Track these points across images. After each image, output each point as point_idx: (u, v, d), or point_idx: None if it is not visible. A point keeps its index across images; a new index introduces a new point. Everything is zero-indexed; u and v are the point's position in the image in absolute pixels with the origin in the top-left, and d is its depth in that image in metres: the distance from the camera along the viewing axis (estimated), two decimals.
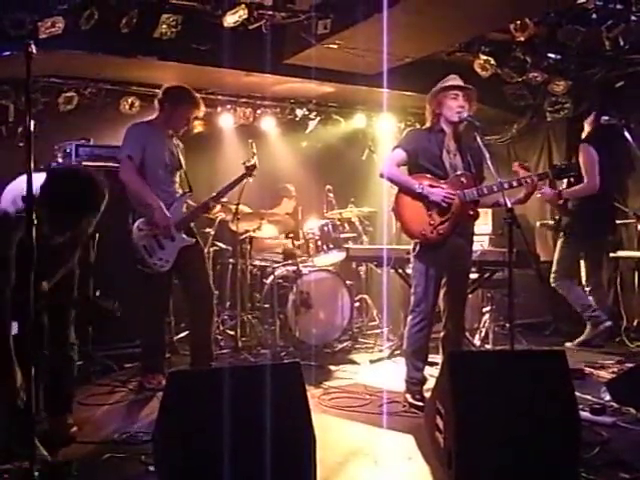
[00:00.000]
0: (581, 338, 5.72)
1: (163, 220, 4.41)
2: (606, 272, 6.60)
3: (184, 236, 4.56)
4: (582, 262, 5.89)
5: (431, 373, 4.49)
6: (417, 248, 4.21)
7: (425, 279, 4.17)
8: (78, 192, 2.96)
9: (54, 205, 2.90)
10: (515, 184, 4.08)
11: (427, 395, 4.17)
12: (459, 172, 4.17)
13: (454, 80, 4.20)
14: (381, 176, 4.28)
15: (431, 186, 4.12)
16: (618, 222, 6.36)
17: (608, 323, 5.66)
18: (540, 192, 5.80)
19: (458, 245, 4.19)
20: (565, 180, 5.89)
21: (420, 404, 4.12)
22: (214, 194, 4.83)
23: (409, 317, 4.27)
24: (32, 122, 2.69)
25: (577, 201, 5.80)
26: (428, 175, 4.16)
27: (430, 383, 4.12)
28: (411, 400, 4.22)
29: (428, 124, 4.29)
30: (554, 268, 5.83)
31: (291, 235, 6.70)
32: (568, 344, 5.88)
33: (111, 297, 3.26)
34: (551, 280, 5.83)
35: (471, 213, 4.16)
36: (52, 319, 3.51)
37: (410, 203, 4.16)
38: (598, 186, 5.58)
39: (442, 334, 4.36)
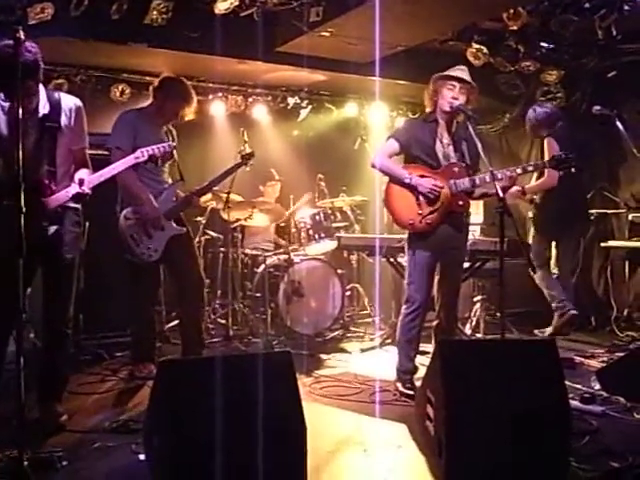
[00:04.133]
0: (550, 329, 5.72)
1: (153, 212, 4.37)
2: (597, 261, 6.64)
3: (174, 225, 4.53)
4: (554, 249, 5.91)
5: (422, 362, 4.50)
6: (409, 238, 4.21)
7: (418, 269, 4.18)
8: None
9: None
10: (508, 173, 4.07)
11: (418, 384, 4.18)
12: (451, 162, 4.18)
13: (457, 71, 4.18)
14: (373, 166, 4.29)
15: (422, 176, 4.13)
16: (609, 212, 6.38)
17: (572, 311, 5.62)
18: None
19: (450, 235, 4.19)
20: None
21: (410, 393, 4.14)
22: (206, 183, 4.78)
23: (404, 306, 4.27)
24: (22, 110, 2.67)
25: (542, 194, 5.78)
26: (421, 165, 4.17)
27: (421, 372, 4.13)
28: (402, 389, 4.24)
29: (428, 109, 4.30)
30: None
31: (282, 223, 6.69)
32: (537, 331, 5.95)
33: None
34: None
35: (461, 203, 4.16)
36: (54, 294, 3.55)
37: (400, 193, 4.17)
38: (557, 180, 5.49)
39: (435, 323, 4.38)
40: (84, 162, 3.64)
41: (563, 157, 4.07)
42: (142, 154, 3.86)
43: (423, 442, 3.30)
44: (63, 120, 3.47)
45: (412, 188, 4.12)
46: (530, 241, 5.88)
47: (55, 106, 3.45)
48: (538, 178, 5.73)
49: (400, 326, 4.30)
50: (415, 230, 4.15)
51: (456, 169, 4.15)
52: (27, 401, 2.67)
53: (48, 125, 3.41)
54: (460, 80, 4.12)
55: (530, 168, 4.21)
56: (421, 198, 4.12)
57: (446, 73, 4.16)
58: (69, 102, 3.54)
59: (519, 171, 4.05)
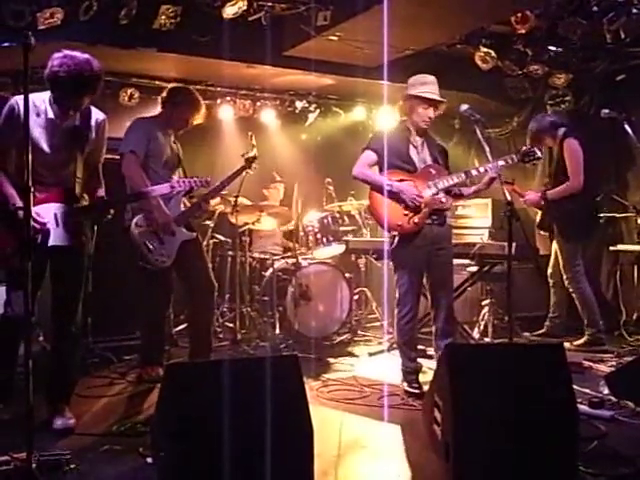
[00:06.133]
0: (582, 340, 5.64)
1: (163, 218, 4.38)
2: (605, 266, 6.61)
3: (184, 230, 4.54)
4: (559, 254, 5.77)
5: (429, 366, 4.50)
6: (395, 242, 4.30)
7: (407, 271, 4.30)
8: (77, 71, 3.29)
9: (59, 85, 3.30)
10: (482, 170, 4.25)
11: (423, 383, 4.23)
12: (428, 163, 4.34)
13: (430, 86, 4.29)
14: (354, 178, 4.45)
15: (401, 180, 4.28)
16: (618, 216, 6.35)
17: (602, 336, 5.61)
18: (524, 199, 5.81)
19: (437, 235, 4.32)
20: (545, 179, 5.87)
21: (417, 392, 4.20)
22: (213, 187, 4.80)
23: (396, 310, 4.39)
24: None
25: (558, 199, 5.62)
26: (399, 170, 4.31)
27: (428, 375, 4.13)
28: (407, 388, 4.29)
29: (401, 117, 4.51)
30: (565, 275, 5.65)
31: (290, 227, 6.69)
32: (527, 334, 5.98)
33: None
34: (566, 285, 5.68)
35: (444, 201, 4.30)
36: (63, 296, 3.59)
37: (383, 199, 4.29)
38: (582, 185, 5.46)
39: (434, 328, 4.39)
40: (96, 175, 3.73)
41: (528, 150, 4.26)
42: (179, 185, 4.09)
43: (430, 446, 3.29)
44: (91, 133, 3.60)
45: (394, 194, 4.25)
46: (561, 253, 5.68)
47: (86, 118, 3.60)
48: (556, 182, 5.66)
49: (397, 330, 4.43)
50: (404, 231, 4.25)
51: (433, 170, 4.33)
52: (36, 404, 2.68)
53: (79, 136, 3.54)
54: (433, 101, 4.28)
55: (501, 162, 4.24)
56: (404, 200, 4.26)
57: (420, 94, 4.28)
58: (98, 116, 3.68)
59: (491, 166, 4.17)
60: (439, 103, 4.31)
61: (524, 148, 4.32)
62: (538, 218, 5.92)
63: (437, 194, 4.26)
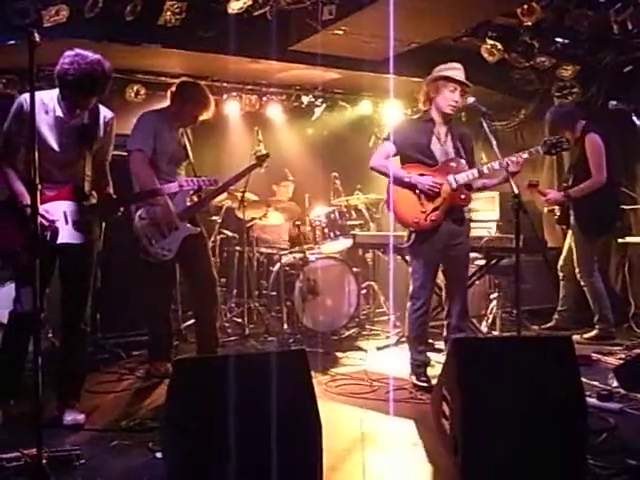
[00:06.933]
0: (592, 333, 5.64)
1: (167, 213, 4.37)
2: (614, 258, 6.59)
3: (188, 225, 4.54)
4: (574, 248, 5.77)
5: (438, 360, 4.49)
6: (412, 237, 4.25)
7: (422, 267, 4.24)
8: (88, 71, 3.29)
9: (68, 83, 3.29)
10: (505, 164, 4.07)
11: (432, 376, 4.22)
12: (449, 157, 4.23)
13: (456, 71, 4.20)
14: (371, 169, 4.36)
15: (421, 175, 4.18)
16: (626, 208, 6.33)
17: (612, 329, 5.61)
18: (546, 198, 5.77)
19: (453, 231, 4.25)
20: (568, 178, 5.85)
21: (425, 385, 4.19)
22: (221, 184, 4.79)
23: (409, 304, 4.34)
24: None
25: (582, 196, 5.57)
26: (418, 164, 4.23)
27: (437, 369, 4.13)
28: (416, 381, 4.29)
29: (422, 107, 4.34)
30: (579, 268, 5.64)
31: (297, 222, 6.70)
32: (535, 327, 5.97)
33: None
34: (579, 278, 5.67)
35: (463, 197, 4.21)
36: (71, 292, 3.61)
37: (401, 193, 4.23)
38: (605, 180, 5.43)
39: (446, 322, 4.38)
40: (103, 173, 3.75)
41: (554, 141, 4.13)
42: (188, 184, 4.12)
43: (439, 440, 3.28)
44: (99, 131, 3.62)
45: (411, 186, 4.17)
46: (576, 247, 5.66)
47: (95, 117, 3.61)
48: (578, 179, 5.61)
49: (408, 323, 4.38)
50: (420, 228, 4.19)
51: (454, 164, 4.22)
52: (45, 400, 2.69)
53: (87, 134, 3.55)
54: (461, 83, 4.16)
55: (525, 155, 4.16)
56: (422, 196, 4.18)
57: (449, 74, 4.16)
58: (107, 114, 3.69)
59: (514, 160, 4.08)
60: (466, 87, 4.17)
61: (551, 139, 4.15)
62: (557, 214, 5.89)
63: (457, 190, 4.17)
